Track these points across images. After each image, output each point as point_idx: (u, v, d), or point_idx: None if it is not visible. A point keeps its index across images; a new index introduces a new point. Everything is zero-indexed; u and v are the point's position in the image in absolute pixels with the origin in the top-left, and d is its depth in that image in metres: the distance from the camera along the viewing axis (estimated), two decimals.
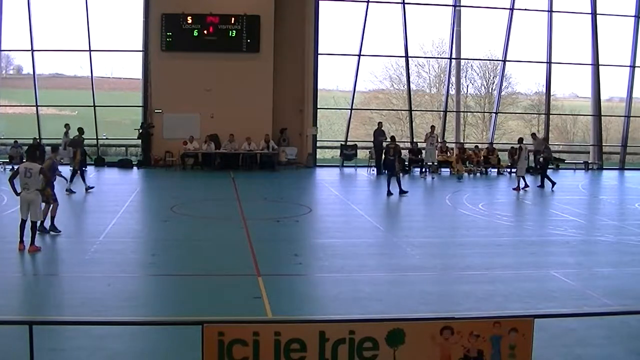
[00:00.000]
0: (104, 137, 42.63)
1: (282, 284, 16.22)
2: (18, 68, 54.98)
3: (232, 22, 39.43)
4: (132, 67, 45.22)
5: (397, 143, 31.35)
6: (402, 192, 30.12)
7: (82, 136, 33.30)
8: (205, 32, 39.43)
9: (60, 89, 54.72)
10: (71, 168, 31.66)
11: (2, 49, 42.86)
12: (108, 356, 11.46)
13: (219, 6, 39.43)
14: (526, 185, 32.88)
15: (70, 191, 29.49)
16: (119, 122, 51.55)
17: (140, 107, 41.24)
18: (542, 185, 33.55)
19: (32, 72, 42.23)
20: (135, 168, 39.66)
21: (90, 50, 40.80)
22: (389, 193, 30.02)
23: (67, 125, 37.96)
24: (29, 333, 8.94)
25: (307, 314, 13.61)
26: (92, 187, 30.65)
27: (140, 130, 40.14)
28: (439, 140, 40.42)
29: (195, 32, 39.44)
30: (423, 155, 39.75)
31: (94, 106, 41.42)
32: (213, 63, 39.23)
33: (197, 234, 22.03)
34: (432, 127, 40.92)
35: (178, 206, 26.50)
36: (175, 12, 39.14)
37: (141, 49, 40.90)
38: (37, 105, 41.91)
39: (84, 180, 30.75)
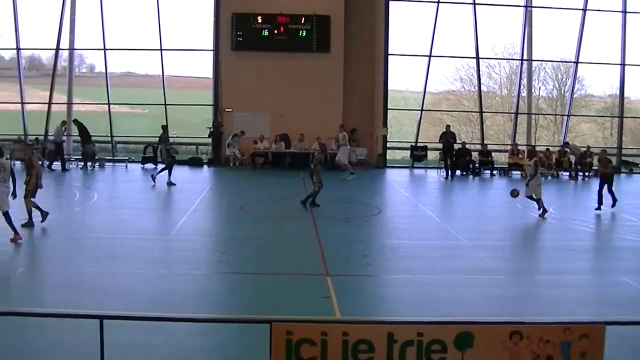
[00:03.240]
0: (175, 135, 42.96)
1: (350, 284, 16.17)
2: (90, 66, 55.66)
3: (302, 22, 39.55)
4: (202, 66, 45.50)
5: (322, 151, 28.63)
6: (307, 202, 26.48)
7: (166, 132, 33.84)
8: (275, 31, 39.60)
9: (131, 88, 55.27)
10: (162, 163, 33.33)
11: (75, 47, 43.50)
12: (175, 352, 11.53)
13: (289, 6, 39.55)
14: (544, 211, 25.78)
15: (170, 183, 31.45)
16: (189, 120, 51.89)
17: (211, 106, 41.53)
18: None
19: (104, 71, 42.81)
20: (205, 166, 39.96)
21: (161, 50, 41.24)
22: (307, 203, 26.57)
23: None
24: (99, 327, 9.03)
25: (375, 315, 13.55)
26: (155, 185, 31.54)
27: (211, 129, 40.44)
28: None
29: (265, 32, 39.64)
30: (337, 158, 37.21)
31: (165, 104, 41.83)
32: (283, 63, 39.36)
33: (267, 233, 22.11)
34: (341, 125, 38.89)
35: (248, 205, 26.61)
36: (245, 12, 39.40)
37: (212, 48, 41.19)
38: (109, 103, 42.47)
39: (158, 173, 32.12)
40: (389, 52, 41.31)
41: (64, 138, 39.31)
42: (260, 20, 39.53)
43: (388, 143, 42.59)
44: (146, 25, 41.95)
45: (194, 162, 40.44)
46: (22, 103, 42.98)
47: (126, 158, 40.93)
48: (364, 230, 23.00)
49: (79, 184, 32.56)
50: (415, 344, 8.89)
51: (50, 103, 42.82)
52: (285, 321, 9.12)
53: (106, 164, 39.61)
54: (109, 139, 42.60)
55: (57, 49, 42.62)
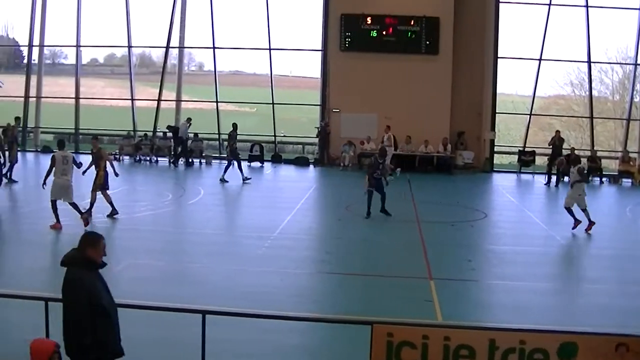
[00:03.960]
0: (282, 135, 43.21)
1: (454, 289, 16.04)
2: (200, 65, 56.50)
3: (412, 23, 39.32)
4: (311, 66, 45.68)
5: (376, 155, 25.44)
6: (385, 210, 24.73)
7: (235, 131, 34.34)
8: (384, 32, 39.45)
9: (239, 86, 55.85)
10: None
11: (185, 46, 44.22)
12: (275, 350, 11.65)
13: (398, 7, 39.36)
14: (577, 222, 23.04)
15: (223, 180, 31.93)
16: (296, 120, 52.23)
17: (318, 106, 41.66)
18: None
19: (213, 69, 43.36)
20: (311, 166, 40.08)
21: (270, 49, 41.54)
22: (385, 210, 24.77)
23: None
24: (202, 322, 9.13)
25: (477, 320, 13.40)
26: (227, 182, 32.12)
27: (319, 129, 40.58)
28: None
29: (374, 33, 39.53)
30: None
31: (273, 104, 42.13)
32: (391, 64, 39.19)
33: (371, 234, 22.09)
34: (388, 126, 38.15)
35: (353, 205, 26.58)
36: (354, 13, 39.36)
37: (320, 49, 41.32)
38: (217, 102, 42.99)
39: (240, 170, 32.71)
40: (499, 55, 40.82)
41: (190, 135, 40.03)
42: (369, 21, 39.46)
43: (495, 147, 42.09)
44: (255, 25, 42.32)
45: (300, 162, 40.62)
46: (132, 99, 43.90)
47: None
48: (469, 234, 22.77)
49: (186, 180, 33.05)
50: (517, 352, 8.77)
51: (159, 100, 43.62)
52: (386, 323, 9.09)
53: (213, 161, 40.13)
54: (217, 136, 43.11)
55: (167, 47, 43.37)
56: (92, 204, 22.38)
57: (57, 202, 20.77)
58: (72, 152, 22.66)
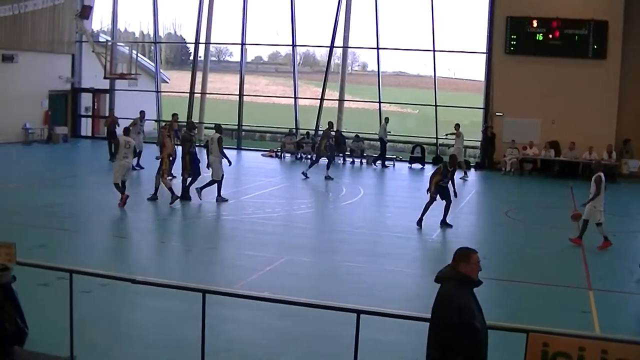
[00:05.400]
0: (444, 137, 42.93)
1: (613, 301, 15.70)
2: (363, 65, 56.77)
3: (579, 27, 38.49)
4: (474, 69, 45.40)
5: (446, 162, 24.06)
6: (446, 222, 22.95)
7: (330, 129, 34.67)
8: (550, 36, 38.75)
9: (402, 87, 55.95)
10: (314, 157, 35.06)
11: (349, 45, 44.55)
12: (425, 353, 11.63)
13: (566, 10, 38.56)
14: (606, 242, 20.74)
15: (305, 175, 32.37)
16: (458, 123, 51.86)
17: (481, 109, 41.26)
18: None
19: (376, 70, 43.52)
20: (472, 169, 39.65)
21: (434, 50, 41.34)
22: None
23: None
24: (356, 321, 9.20)
25: (637, 335, 13.06)
26: (332, 178, 32.26)
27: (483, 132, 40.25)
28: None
29: (539, 36, 38.90)
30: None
31: (435, 105, 41.93)
32: (556, 68, 38.42)
33: (529, 241, 21.83)
34: (458, 124, 37.79)
35: (513, 211, 26.28)
36: (520, 15, 38.84)
37: (484, 51, 40.88)
38: (379, 102, 43.08)
39: (327, 167, 33.16)
40: None
41: (388, 136, 40.33)
42: (535, 24, 38.85)
43: None
44: (419, 26, 42.37)
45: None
46: (295, 98, 44.44)
47: (394, 157, 41.39)
48: (632, 245, 22.16)
49: (347, 179, 33.30)
50: None
51: (322, 99, 44.02)
52: (543, 332, 8.95)
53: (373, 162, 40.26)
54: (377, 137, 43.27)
55: (332, 46, 43.77)
56: (170, 189, 23.89)
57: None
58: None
